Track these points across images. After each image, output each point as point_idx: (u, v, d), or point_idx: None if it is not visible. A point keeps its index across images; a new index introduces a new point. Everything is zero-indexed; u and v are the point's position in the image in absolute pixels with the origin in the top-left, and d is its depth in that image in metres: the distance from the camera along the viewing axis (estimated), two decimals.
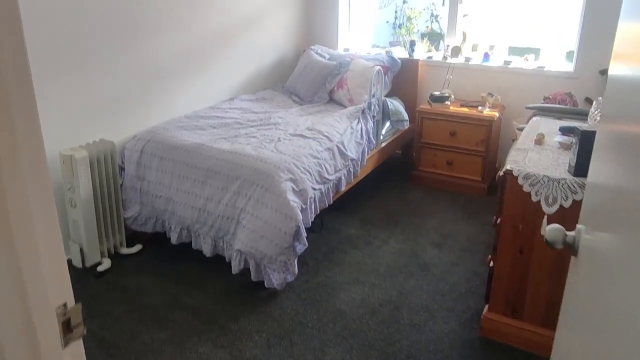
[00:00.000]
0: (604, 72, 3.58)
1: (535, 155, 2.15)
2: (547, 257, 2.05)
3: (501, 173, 2.08)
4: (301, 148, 2.81)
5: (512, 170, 2.00)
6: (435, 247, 3.08)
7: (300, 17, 4.47)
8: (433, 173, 3.96)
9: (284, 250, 2.47)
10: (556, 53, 3.93)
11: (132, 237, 2.94)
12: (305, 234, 2.54)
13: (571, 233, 1.13)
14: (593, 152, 1.17)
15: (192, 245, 2.77)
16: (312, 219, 2.72)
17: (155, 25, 3.06)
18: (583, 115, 3.27)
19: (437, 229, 3.31)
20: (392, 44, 7.08)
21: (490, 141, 3.71)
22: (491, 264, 2.23)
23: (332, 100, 3.86)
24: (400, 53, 4.38)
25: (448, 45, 4.13)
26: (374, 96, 3.54)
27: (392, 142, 3.88)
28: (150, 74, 3.08)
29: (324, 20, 4.50)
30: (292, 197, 2.50)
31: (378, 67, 3.60)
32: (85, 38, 2.66)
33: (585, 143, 1.86)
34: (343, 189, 3.09)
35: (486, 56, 4.02)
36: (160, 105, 3.20)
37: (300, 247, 2.54)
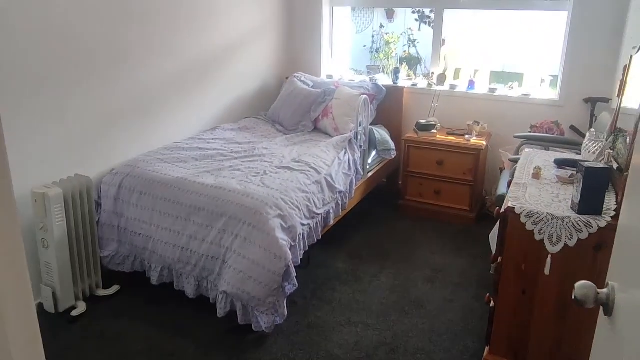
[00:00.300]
0: (588, 101, 3.59)
1: (535, 190, 2.08)
2: (551, 299, 1.96)
3: (502, 210, 2.00)
4: (289, 182, 2.69)
5: (514, 208, 1.91)
6: (428, 282, 2.98)
7: (282, 44, 4.40)
8: (420, 203, 3.88)
9: (272, 291, 2.33)
10: (540, 79, 3.93)
11: (109, 278, 2.76)
12: (295, 274, 2.41)
13: (603, 290, 1.03)
14: (625, 196, 1.08)
15: (174, 285, 2.60)
16: (301, 257, 2.59)
17: (132, 56, 2.94)
18: (571, 145, 3.25)
19: (427, 262, 3.21)
20: (369, 68, 7.09)
21: (478, 170, 3.66)
22: (491, 303, 2.14)
23: (317, 129, 3.77)
24: (383, 80, 4.34)
25: (433, 73, 4.10)
26: (360, 125, 3.46)
27: (379, 172, 3.79)
28: (127, 104, 2.95)
29: (306, 47, 4.44)
30: (281, 235, 2.38)
31: (364, 95, 3.52)
32: (59, 68, 2.51)
33: (589, 180, 1.79)
34: (331, 223, 2.97)
35: (471, 84, 4.00)
36: (139, 137, 3.05)
37: (290, 288, 2.41)
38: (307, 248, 2.68)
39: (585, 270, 1.87)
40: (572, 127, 3.67)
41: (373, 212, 3.89)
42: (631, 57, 2.17)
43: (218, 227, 2.43)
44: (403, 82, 4.26)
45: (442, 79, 3.95)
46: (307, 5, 4.33)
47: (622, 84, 2.27)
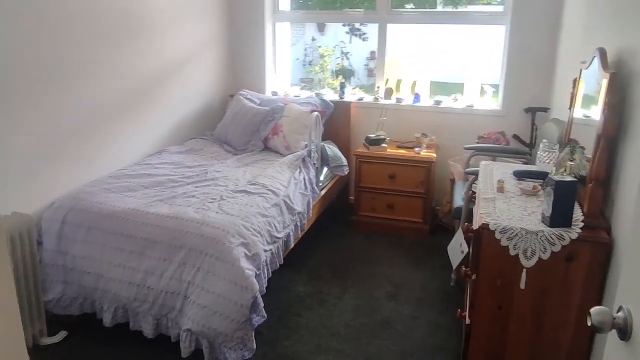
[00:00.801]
0: (528, 110, 3.73)
1: (503, 204, 2.10)
2: (526, 313, 1.97)
3: (475, 226, 1.99)
4: (248, 206, 2.57)
5: (488, 224, 1.91)
6: (391, 300, 2.94)
7: (225, 61, 4.27)
8: (373, 217, 3.87)
9: (240, 325, 2.19)
10: (480, 89, 4.05)
11: (55, 323, 2.50)
12: (263, 304, 2.29)
13: (619, 314, 1.02)
14: (636, 214, 1.06)
15: (130, 326, 2.40)
16: (265, 284, 2.47)
17: (69, 77, 2.71)
18: (518, 154, 3.35)
19: (387, 277, 3.19)
20: (303, 81, 7.10)
21: (429, 182, 3.69)
22: (467, 320, 2.12)
23: (267, 147, 3.66)
24: (328, 95, 4.31)
25: (379, 87, 4.12)
26: (312, 142, 3.40)
27: (331, 189, 3.74)
28: (67, 131, 2.71)
29: (249, 64, 4.33)
30: (246, 265, 2.25)
31: (316, 112, 3.47)
32: None
33: (559, 193, 1.82)
34: (292, 245, 2.87)
35: (417, 97, 4.05)
36: (81, 166, 2.82)
37: (258, 319, 2.28)
38: (271, 275, 2.56)
39: (558, 282, 1.89)
40: (515, 136, 3.79)
41: (326, 230, 3.83)
42: (581, 71, 2.25)
43: (177, 260, 2.27)
44: (349, 96, 4.25)
45: (389, 93, 3.97)
46: (249, 21, 4.24)
47: (573, 97, 2.35)
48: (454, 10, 8.91)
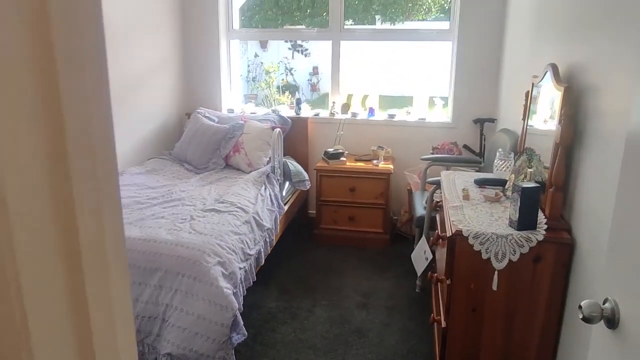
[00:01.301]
0: (477, 121, 3.94)
1: (471, 211, 2.22)
2: (499, 313, 2.08)
3: (449, 234, 2.10)
4: (220, 225, 2.57)
5: (462, 231, 2.02)
6: (362, 309, 3.01)
7: (180, 80, 4.24)
8: (336, 230, 3.94)
9: (221, 345, 2.18)
10: (428, 101, 4.24)
11: None
12: (242, 322, 2.29)
13: (606, 306, 1.12)
14: (615, 212, 1.17)
15: None
16: (242, 302, 2.47)
17: None
18: (471, 163, 3.53)
19: (355, 288, 3.25)
20: (248, 98, 7.13)
21: (388, 193, 3.81)
22: (443, 324, 2.22)
23: (228, 165, 3.66)
24: (285, 111, 4.36)
25: (334, 102, 4.22)
26: (275, 158, 3.43)
27: (294, 204, 3.78)
28: None
29: (205, 81, 4.32)
30: (224, 284, 2.25)
31: (278, 129, 3.51)
32: None
33: (525, 199, 1.95)
34: (263, 262, 2.89)
35: (371, 111, 4.18)
36: None
37: (239, 338, 2.27)
38: (246, 292, 2.57)
39: (527, 282, 2.02)
40: (465, 146, 3.99)
41: (290, 245, 3.85)
42: (533, 84, 2.43)
43: (153, 284, 2.23)
44: (305, 112, 4.32)
45: (345, 108, 4.08)
46: (203, 39, 4.23)
47: (526, 109, 2.53)
48: (402, 28, 9.24)
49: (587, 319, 1.12)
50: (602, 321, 1.13)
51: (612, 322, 1.11)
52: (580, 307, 1.13)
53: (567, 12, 2.25)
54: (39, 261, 0.46)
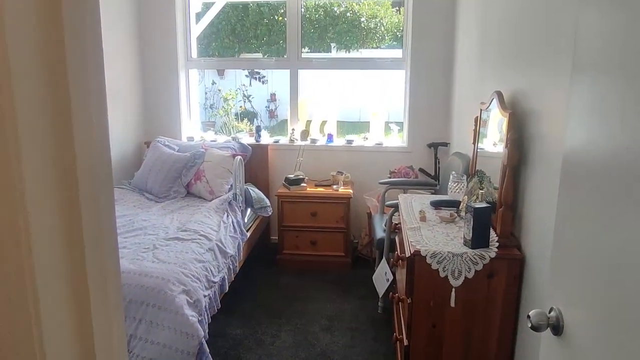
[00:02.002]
0: (431, 146, 4.10)
1: (428, 232, 2.32)
2: (458, 328, 2.17)
3: (408, 254, 2.18)
4: (183, 253, 2.58)
5: (420, 251, 2.11)
6: (327, 332, 3.05)
7: (138, 108, 4.24)
8: (298, 255, 3.98)
9: None
10: (384, 127, 4.39)
11: None
12: (208, 349, 2.29)
13: (552, 314, 1.22)
14: (556, 226, 1.28)
15: None
16: (207, 330, 2.47)
17: None
18: (427, 186, 3.67)
19: (319, 311, 3.29)
20: (205, 125, 7.16)
21: (349, 217, 3.90)
22: (405, 342, 2.29)
23: (190, 193, 3.67)
24: (245, 138, 4.42)
25: (294, 129, 4.31)
26: (237, 186, 3.47)
27: (256, 230, 3.81)
28: None
29: (164, 110, 4.33)
30: (189, 312, 2.26)
31: (239, 156, 3.56)
32: None
33: (477, 218, 2.07)
34: (227, 289, 2.89)
35: (330, 137, 4.29)
36: None
37: None
38: (210, 320, 2.57)
39: (483, 297, 2.13)
40: (421, 170, 4.14)
41: (253, 271, 3.87)
42: (481, 110, 2.59)
43: None
44: (265, 139, 4.39)
45: (305, 134, 4.17)
46: (162, 68, 4.26)
47: (476, 133, 2.68)
48: (356, 56, 9.52)
49: (535, 327, 1.21)
50: (548, 329, 1.22)
51: (557, 329, 1.21)
52: (528, 316, 1.22)
53: (506, 44, 2.43)
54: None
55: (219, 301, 2.72)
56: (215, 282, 2.68)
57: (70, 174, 0.51)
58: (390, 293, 2.76)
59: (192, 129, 4.49)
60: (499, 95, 2.25)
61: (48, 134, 0.49)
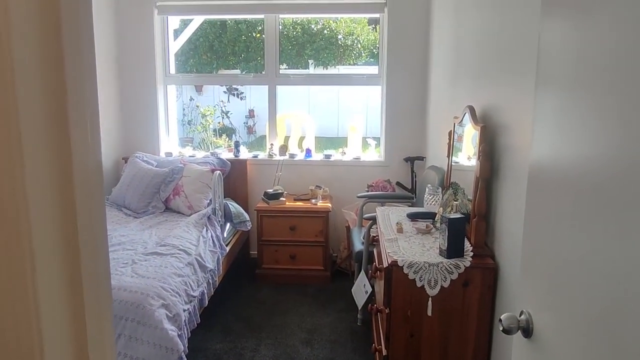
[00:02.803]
0: (407, 160, 4.18)
1: (405, 243, 2.37)
2: (435, 336, 2.22)
3: (386, 264, 2.23)
4: (163, 268, 2.58)
5: (397, 261, 2.16)
6: (306, 345, 3.06)
7: (116, 124, 4.23)
8: (277, 269, 3.99)
9: None
10: (362, 141, 4.47)
11: None
12: None
13: (522, 317, 1.27)
14: (524, 230, 1.34)
15: None
16: (186, 344, 2.47)
17: None
18: (404, 199, 3.73)
19: (299, 325, 3.31)
20: (183, 141, 7.17)
21: (328, 231, 3.94)
22: (384, 352, 2.32)
23: (168, 208, 3.67)
24: (224, 154, 4.44)
25: (272, 144, 4.35)
26: (216, 200, 3.48)
27: (235, 244, 3.82)
28: None
29: (142, 126, 4.33)
30: (168, 326, 2.26)
31: (218, 171, 3.58)
32: None
33: (452, 229, 2.13)
34: (207, 303, 2.89)
35: (308, 152, 4.34)
36: None
37: None
38: (190, 334, 2.57)
39: (458, 305, 2.18)
40: (398, 183, 4.22)
41: (233, 285, 3.86)
42: (455, 124, 2.67)
43: None
44: (244, 154, 4.42)
45: (284, 149, 4.21)
46: (140, 83, 4.28)
47: (450, 146, 2.76)
48: (334, 72, 9.65)
49: (506, 331, 1.27)
50: (519, 331, 1.27)
51: (527, 331, 1.26)
52: (500, 320, 1.27)
53: (478, 60, 2.52)
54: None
55: (198, 315, 2.72)
56: (194, 297, 2.69)
57: (68, 183, 0.54)
58: (370, 305, 2.80)
59: (170, 144, 4.49)
60: (471, 109, 2.33)
61: (48, 144, 0.52)
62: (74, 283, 0.57)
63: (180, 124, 11.61)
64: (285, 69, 9.58)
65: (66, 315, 0.56)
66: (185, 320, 2.47)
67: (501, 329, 1.27)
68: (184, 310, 2.49)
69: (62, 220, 0.54)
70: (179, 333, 2.34)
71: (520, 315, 1.28)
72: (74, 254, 0.56)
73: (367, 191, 4.01)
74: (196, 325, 2.67)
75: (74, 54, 0.54)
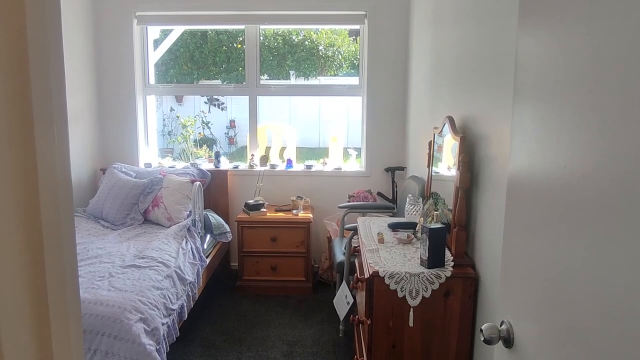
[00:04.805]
0: (388, 170, 4.20)
1: (386, 253, 2.37)
2: (417, 347, 2.21)
3: (367, 275, 2.22)
4: (141, 280, 2.53)
5: (378, 271, 2.15)
6: (288, 358, 3.02)
7: (93, 135, 4.16)
8: (258, 280, 3.96)
9: None
10: (343, 152, 4.48)
11: None
12: None
13: (502, 327, 1.27)
14: (504, 240, 1.34)
15: None
16: (165, 359, 2.42)
17: None
18: (386, 209, 3.74)
19: (281, 337, 3.27)
20: (164, 152, 7.11)
21: (309, 241, 3.92)
22: None
23: (147, 220, 3.61)
24: (204, 165, 4.40)
25: (253, 155, 4.33)
26: (196, 212, 3.44)
27: (215, 256, 3.77)
28: None
29: (120, 136, 4.27)
30: (146, 340, 2.21)
31: (198, 182, 3.54)
32: None
33: (432, 239, 2.13)
34: (186, 316, 2.84)
35: (289, 162, 4.33)
36: None
37: None
38: (169, 349, 2.51)
39: (440, 315, 2.18)
40: (379, 193, 4.22)
41: (213, 297, 3.81)
42: (434, 135, 2.69)
43: None
44: (224, 165, 4.38)
45: (264, 160, 4.19)
46: (119, 94, 4.22)
47: (430, 157, 2.77)
48: (315, 83, 9.68)
49: (487, 341, 1.26)
50: (500, 341, 1.27)
51: (508, 341, 1.26)
52: (481, 330, 1.27)
53: (456, 71, 2.55)
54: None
55: (177, 329, 2.67)
56: (173, 310, 2.64)
57: (33, 194, 0.52)
58: (351, 316, 2.78)
59: (149, 155, 4.44)
60: (451, 120, 2.35)
61: (11, 153, 0.50)
62: (38, 294, 0.54)
63: (160, 135, 11.52)
64: (267, 79, 9.59)
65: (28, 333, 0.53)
66: (163, 334, 2.43)
67: (482, 339, 1.26)
68: (163, 324, 2.44)
69: (26, 229, 0.52)
70: (157, 347, 2.29)
71: (501, 325, 1.28)
72: (39, 266, 0.54)
73: (349, 201, 4.01)
74: (175, 339, 2.62)
75: (40, 60, 0.52)
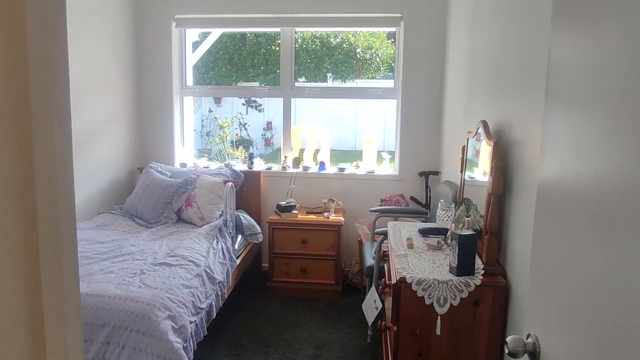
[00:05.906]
0: (422, 174, 4.14)
1: (414, 259, 2.33)
2: (443, 356, 2.16)
3: (394, 281, 2.18)
4: (171, 278, 2.57)
5: (405, 278, 2.11)
6: None
7: (132, 135, 4.27)
8: (288, 282, 3.96)
9: None
10: (377, 155, 4.44)
11: None
12: None
13: (529, 341, 1.22)
14: (532, 250, 1.29)
15: None
16: (192, 357, 2.45)
17: None
18: (418, 214, 3.68)
19: (308, 340, 3.26)
20: (201, 152, 7.21)
21: (339, 245, 3.90)
22: None
23: (180, 219, 3.67)
24: (238, 165, 4.44)
25: (286, 157, 4.34)
26: (228, 212, 3.48)
27: (246, 257, 3.80)
28: None
29: (158, 136, 4.37)
30: (173, 338, 2.24)
31: (230, 183, 3.58)
32: None
33: (462, 246, 2.08)
34: (214, 316, 2.87)
35: (322, 165, 4.32)
36: None
37: None
38: (196, 347, 2.54)
39: (469, 324, 2.12)
40: (412, 198, 4.16)
41: (243, 298, 3.84)
42: (468, 139, 2.63)
43: (100, 340, 2.19)
44: (258, 166, 4.42)
45: (297, 161, 4.20)
46: (157, 95, 4.32)
47: (463, 162, 2.71)
48: (351, 86, 9.66)
49: (512, 354, 1.22)
50: (525, 355, 1.22)
51: (533, 355, 1.21)
52: (505, 342, 1.22)
53: (492, 75, 2.48)
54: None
55: (205, 328, 2.70)
56: (202, 309, 2.67)
57: (29, 203, 0.53)
58: (379, 321, 2.74)
59: (185, 155, 4.52)
60: (485, 124, 2.29)
61: (9, 175, 0.51)
62: (33, 302, 0.55)
63: (199, 135, 11.74)
64: (304, 82, 9.62)
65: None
66: (191, 333, 2.45)
67: (507, 352, 1.22)
68: (191, 322, 2.47)
69: (23, 232, 0.52)
70: (185, 345, 2.31)
71: (527, 338, 1.23)
72: (34, 272, 0.54)
73: (381, 205, 3.97)
74: (203, 337, 2.65)
75: (40, 60, 0.52)
